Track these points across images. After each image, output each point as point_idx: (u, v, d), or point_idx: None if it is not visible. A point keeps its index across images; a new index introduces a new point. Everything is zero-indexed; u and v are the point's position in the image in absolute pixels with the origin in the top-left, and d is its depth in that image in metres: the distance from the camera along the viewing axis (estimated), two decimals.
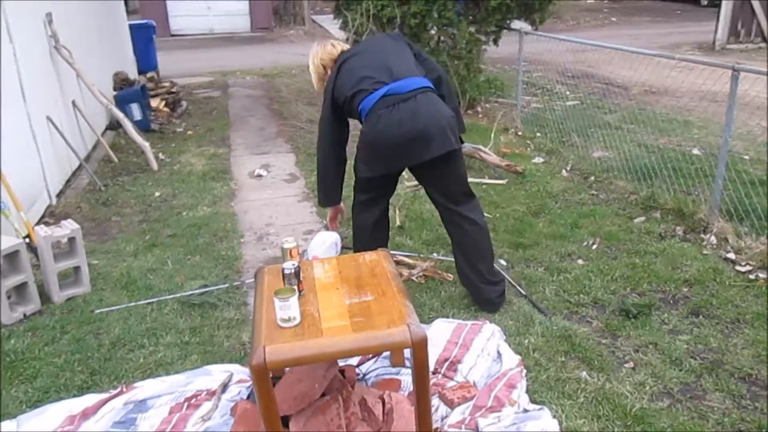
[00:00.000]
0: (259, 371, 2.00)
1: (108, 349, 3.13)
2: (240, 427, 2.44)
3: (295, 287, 2.29)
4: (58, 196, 5.38)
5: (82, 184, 5.71)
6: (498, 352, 2.93)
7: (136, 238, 4.51)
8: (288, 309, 2.11)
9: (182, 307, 3.49)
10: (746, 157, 5.76)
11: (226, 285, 3.71)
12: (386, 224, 3.54)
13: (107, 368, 2.98)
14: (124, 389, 2.79)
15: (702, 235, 4.19)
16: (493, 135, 6.14)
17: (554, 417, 2.52)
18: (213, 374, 2.86)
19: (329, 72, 3.29)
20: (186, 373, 2.89)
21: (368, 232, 3.39)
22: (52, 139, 5.34)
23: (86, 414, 2.65)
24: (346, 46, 3.35)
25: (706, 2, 19.87)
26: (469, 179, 5.43)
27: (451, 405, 2.59)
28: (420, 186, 5.50)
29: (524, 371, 2.77)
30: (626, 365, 2.89)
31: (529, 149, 6.34)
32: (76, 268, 3.70)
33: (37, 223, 4.67)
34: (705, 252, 3.98)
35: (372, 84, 3.07)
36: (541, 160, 5.96)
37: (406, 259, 3.90)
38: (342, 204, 3.54)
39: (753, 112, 5.93)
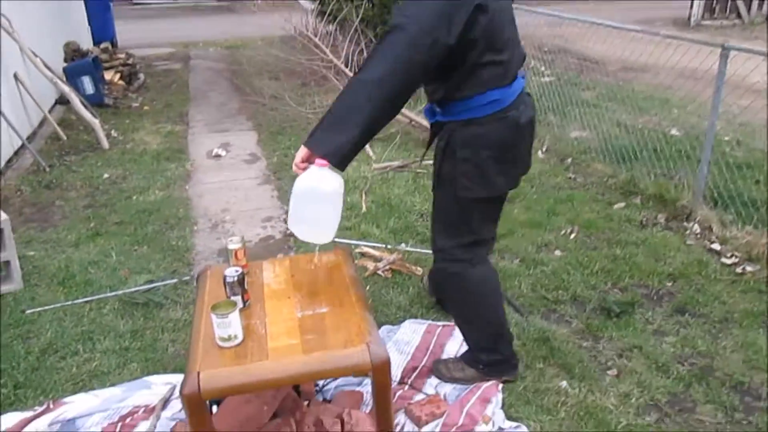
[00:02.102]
0: (193, 401, 1.71)
1: (37, 357, 2.80)
2: None
3: (239, 298, 1.99)
4: None
5: (24, 165, 5.29)
6: None
7: (79, 226, 4.14)
8: (227, 326, 1.81)
9: (124, 307, 3.16)
10: (726, 138, 5.55)
11: (174, 280, 3.38)
12: (497, 283, 2.58)
13: (34, 380, 2.65)
14: (51, 406, 2.47)
15: (685, 223, 3.96)
16: None
17: None
18: (153, 387, 2.55)
19: None
20: (122, 386, 2.58)
21: (497, 295, 2.54)
22: None
23: None
24: None
25: None
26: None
27: (418, 423, 2.33)
28: (389, 167, 5.26)
29: (501, 384, 2.51)
30: (609, 373, 2.65)
31: None
32: (6, 263, 3.33)
33: None
34: (689, 242, 3.76)
35: (517, 65, 2.21)
36: None
37: (372, 251, 3.61)
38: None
39: (731, 90, 5.72)
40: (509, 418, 2.36)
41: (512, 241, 3.80)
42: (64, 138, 5.93)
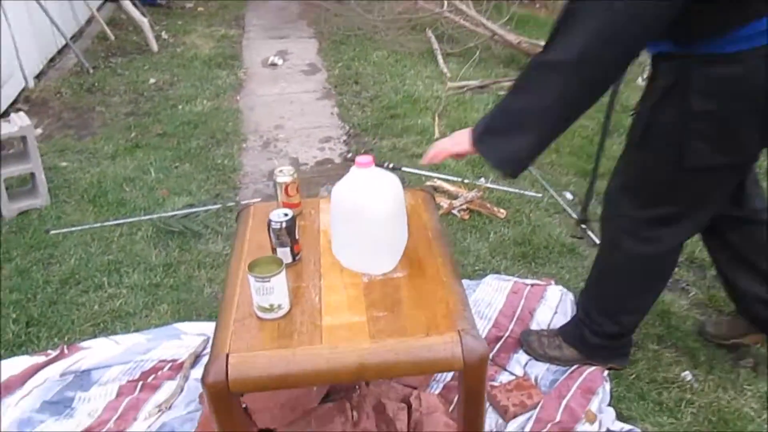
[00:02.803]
0: (219, 394, 1.25)
1: (56, 289, 2.42)
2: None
3: (287, 251, 1.50)
4: (38, 77, 4.56)
5: (68, 65, 4.87)
6: None
7: (118, 136, 3.72)
8: (269, 293, 1.33)
9: (158, 234, 2.74)
10: None
11: (217, 206, 2.93)
12: (669, 273, 1.96)
13: (50, 317, 2.28)
14: (66, 351, 2.10)
15: None
16: None
17: None
18: (183, 338, 2.14)
19: None
20: (148, 333, 2.18)
21: (640, 280, 1.88)
22: (28, 10, 4.44)
23: (9, 386, 1.96)
24: None
25: None
26: None
27: (504, 414, 1.85)
28: (466, 87, 4.59)
29: (605, 370, 2.00)
30: (743, 363, 2.09)
31: None
32: (32, 175, 2.94)
33: (6, 111, 3.90)
34: None
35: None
36: None
37: (446, 185, 3.07)
38: None
39: None
40: (620, 418, 1.86)
41: None
42: (112, 38, 5.47)
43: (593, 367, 1.98)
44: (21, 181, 3.09)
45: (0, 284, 2.43)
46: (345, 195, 1.43)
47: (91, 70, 4.73)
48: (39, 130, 3.86)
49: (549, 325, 2.19)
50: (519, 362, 2.06)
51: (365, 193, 1.41)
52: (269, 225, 1.49)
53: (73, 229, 2.77)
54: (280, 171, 1.70)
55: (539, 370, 2.03)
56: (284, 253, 1.50)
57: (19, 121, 2.84)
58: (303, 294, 1.43)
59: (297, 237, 1.53)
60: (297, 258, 1.54)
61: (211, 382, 1.25)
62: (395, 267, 1.50)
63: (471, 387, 1.31)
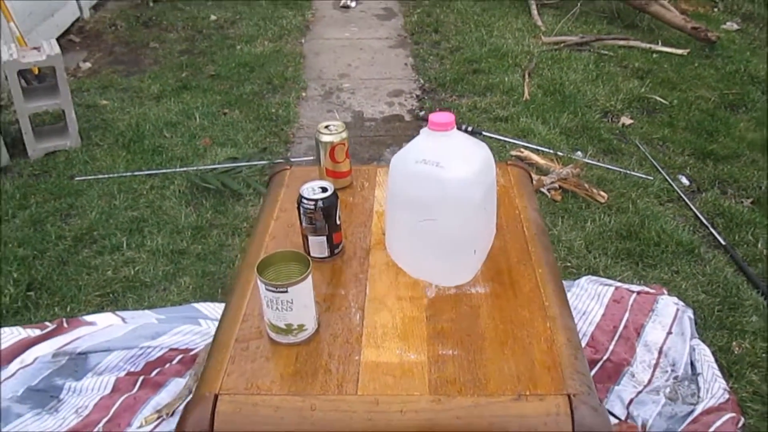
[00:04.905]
0: None
1: (68, 247, 2.08)
2: None
3: (323, 241, 1.06)
4: (95, 8, 4.24)
5: None
6: (690, 364, 1.65)
7: (168, 75, 3.36)
8: (286, 309, 0.89)
9: (192, 191, 2.36)
10: None
11: (264, 162, 2.53)
12: None
13: (55, 280, 1.94)
14: (66, 324, 1.75)
15: None
16: None
17: None
18: (201, 323, 1.76)
19: None
20: (162, 312, 1.81)
21: None
22: None
23: None
24: None
25: None
26: (636, 43, 3.89)
27: None
28: (563, 43, 3.96)
29: (742, 421, 1.49)
30: None
31: (717, 9, 4.54)
32: (62, 112, 2.60)
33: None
34: None
35: None
36: (735, 27, 4.21)
37: (535, 157, 2.56)
38: None
39: None
40: None
41: (738, 168, 2.61)
42: None
43: (724, 417, 1.48)
44: (55, 118, 2.77)
45: (4, 236, 2.11)
46: (410, 168, 0.97)
47: (152, 3, 4.39)
48: (88, 64, 3.56)
49: (661, 348, 1.69)
50: (621, 398, 1.58)
51: (441, 168, 0.94)
52: (299, 203, 1.05)
53: (100, 176, 2.43)
54: (326, 127, 1.25)
55: (649, 412, 1.54)
56: (318, 245, 1.06)
57: (48, 49, 2.49)
58: (339, 307, 1.00)
59: (338, 222, 1.08)
60: (337, 252, 1.10)
61: None
62: (475, 277, 1.04)
63: None
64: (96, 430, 1.48)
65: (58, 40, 3.56)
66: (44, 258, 2.03)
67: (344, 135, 1.25)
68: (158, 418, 1.50)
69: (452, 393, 0.85)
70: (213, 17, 4.19)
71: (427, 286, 1.02)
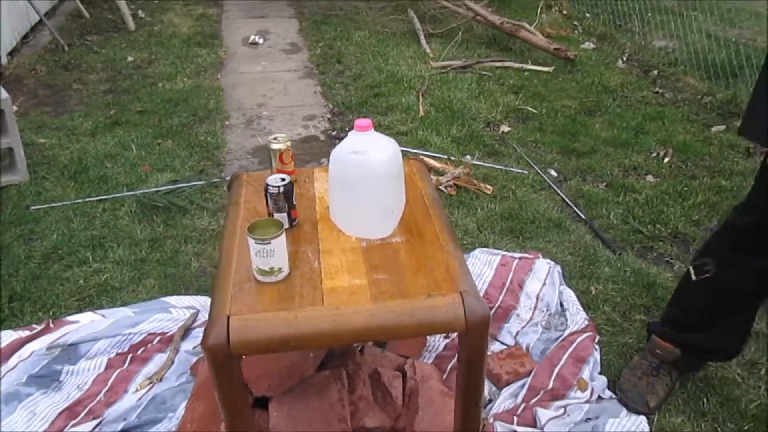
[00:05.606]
0: (219, 356, 1.24)
1: (38, 264, 2.37)
2: (199, 402, 1.72)
3: (285, 216, 1.49)
4: (11, 54, 4.45)
5: (42, 42, 4.76)
6: (560, 304, 2.18)
7: (97, 113, 3.64)
8: (269, 255, 1.31)
9: (142, 210, 2.69)
10: None
11: (201, 182, 2.90)
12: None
13: (33, 292, 2.23)
14: (52, 325, 2.06)
15: None
16: (539, 11, 5.10)
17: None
18: (172, 311, 2.11)
19: None
20: (136, 307, 2.15)
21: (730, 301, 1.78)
22: None
23: None
24: None
25: None
26: (510, 64, 4.53)
27: (497, 382, 1.87)
28: (449, 67, 4.56)
29: (597, 338, 2.03)
30: None
31: (576, 32, 5.31)
32: (9, 150, 2.87)
33: None
34: None
35: None
36: (592, 46, 4.96)
37: (432, 162, 3.07)
38: None
39: None
40: (610, 385, 1.89)
41: (595, 161, 3.22)
42: (87, 16, 5.35)
43: (584, 335, 2.00)
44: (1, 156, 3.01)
45: None
46: (344, 157, 1.42)
47: (66, 48, 4.62)
48: (14, 107, 3.77)
49: (538, 295, 2.21)
50: (510, 332, 2.08)
51: (365, 156, 1.40)
52: (266, 189, 1.48)
53: (55, 204, 2.72)
54: (275, 138, 1.68)
55: (530, 339, 2.04)
56: (282, 219, 1.48)
57: None
58: (302, 258, 1.42)
59: (294, 202, 1.51)
60: (294, 223, 1.53)
61: (212, 344, 1.23)
62: (393, 232, 1.49)
63: (473, 348, 1.31)
64: (98, 398, 1.82)
65: None
66: (18, 275, 2.31)
67: (288, 143, 1.68)
68: (150, 383, 1.86)
69: (386, 299, 1.29)
70: (130, 58, 4.48)
71: (362, 240, 1.47)
